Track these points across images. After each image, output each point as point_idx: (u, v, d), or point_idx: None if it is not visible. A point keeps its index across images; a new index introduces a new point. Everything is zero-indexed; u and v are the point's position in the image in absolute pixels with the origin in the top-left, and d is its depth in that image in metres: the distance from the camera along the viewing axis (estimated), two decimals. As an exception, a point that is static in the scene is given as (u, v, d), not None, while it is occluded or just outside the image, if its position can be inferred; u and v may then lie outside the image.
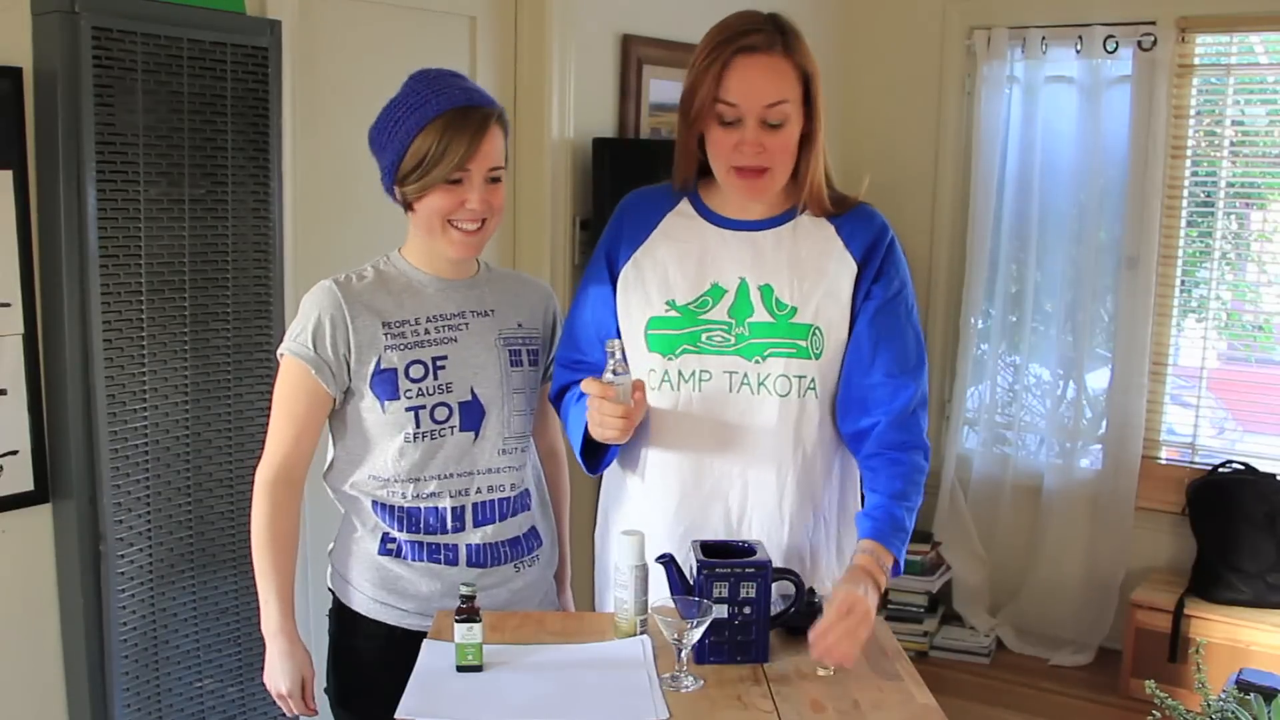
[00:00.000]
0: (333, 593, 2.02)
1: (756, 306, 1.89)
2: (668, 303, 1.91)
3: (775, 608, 1.79)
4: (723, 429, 1.90)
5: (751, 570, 1.72)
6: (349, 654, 1.99)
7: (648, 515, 1.94)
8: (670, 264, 1.93)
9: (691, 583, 1.74)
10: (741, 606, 1.71)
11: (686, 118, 1.87)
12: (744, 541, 1.82)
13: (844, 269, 1.90)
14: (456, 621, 1.69)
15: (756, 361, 1.88)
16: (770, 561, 1.75)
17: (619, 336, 1.91)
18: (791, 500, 1.91)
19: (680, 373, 1.90)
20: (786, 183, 1.91)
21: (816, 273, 1.90)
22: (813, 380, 1.89)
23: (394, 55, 2.91)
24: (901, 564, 1.85)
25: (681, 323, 1.91)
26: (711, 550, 1.79)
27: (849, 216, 1.94)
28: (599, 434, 1.83)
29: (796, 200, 1.93)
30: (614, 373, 1.79)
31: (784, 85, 1.82)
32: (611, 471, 2.03)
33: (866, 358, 1.90)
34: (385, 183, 1.92)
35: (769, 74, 1.81)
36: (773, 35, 1.83)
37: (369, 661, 1.96)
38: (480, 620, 1.69)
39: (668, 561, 1.75)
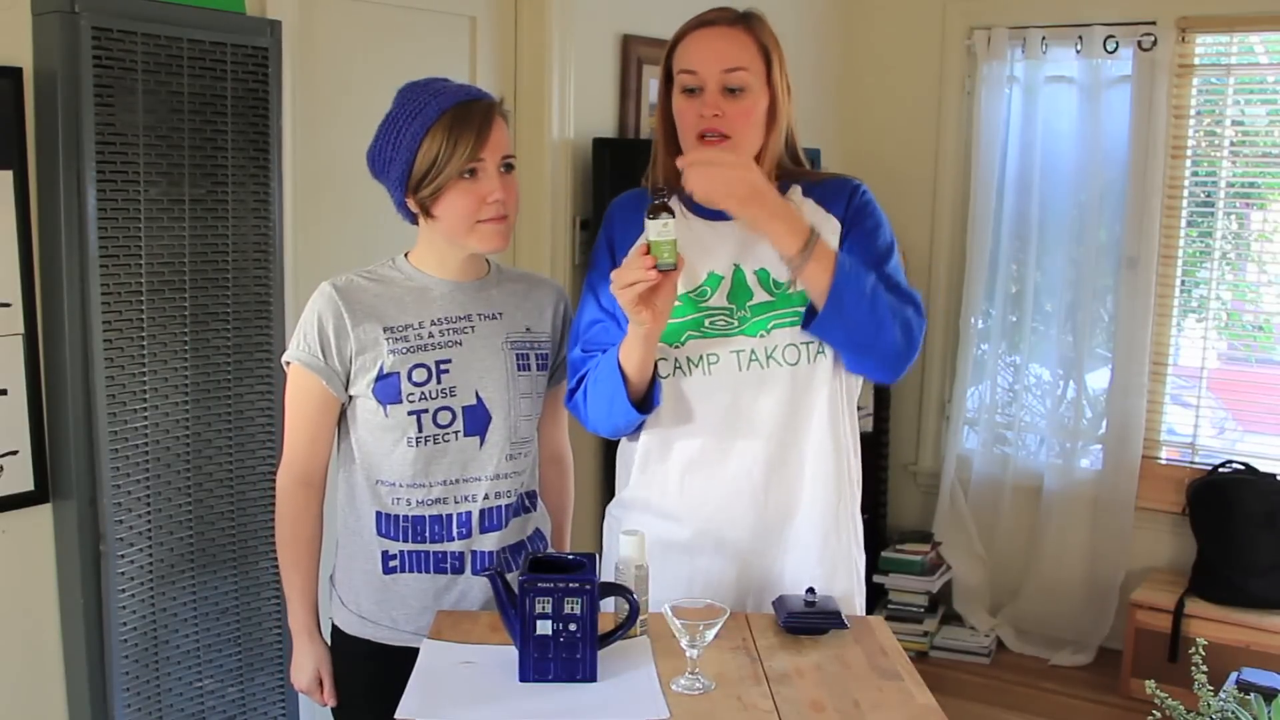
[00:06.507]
0: (330, 619, 2.02)
1: (755, 289, 1.92)
2: None
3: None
4: (738, 407, 1.92)
5: (576, 586, 1.64)
6: (346, 679, 1.99)
7: (673, 503, 1.96)
8: None
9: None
10: (566, 624, 1.64)
11: (660, 104, 1.96)
12: (577, 555, 1.75)
13: (829, 230, 1.93)
14: (649, 219, 1.72)
15: (762, 336, 1.90)
16: (596, 578, 1.67)
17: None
18: (813, 465, 1.94)
19: (689, 359, 1.92)
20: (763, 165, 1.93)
21: None
22: (821, 345, 1.92)
23: (394, 55, 2.91)
24: (841, 289, 1.80)
25: (683, 310, 1.92)
26: (542, 565, 1.73)
27: (830, 187, 1.98)
28: (630, 314, 1.77)
29: (774, 182, 1.94)
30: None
31: (742, 54, 1.89)
32: (628, 466, 2.03)
33: None
34: (397, 198, 1.90)
35: (727, 41, 1.89)
36: (735, 16, 1.93)
37: (365, 683, 1.96)
38: (674, 215, 1.72)
39: (492, 575, 1.69)
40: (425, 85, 1.87)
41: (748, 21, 1.92)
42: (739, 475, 1.93)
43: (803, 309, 1.89)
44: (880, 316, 1.84)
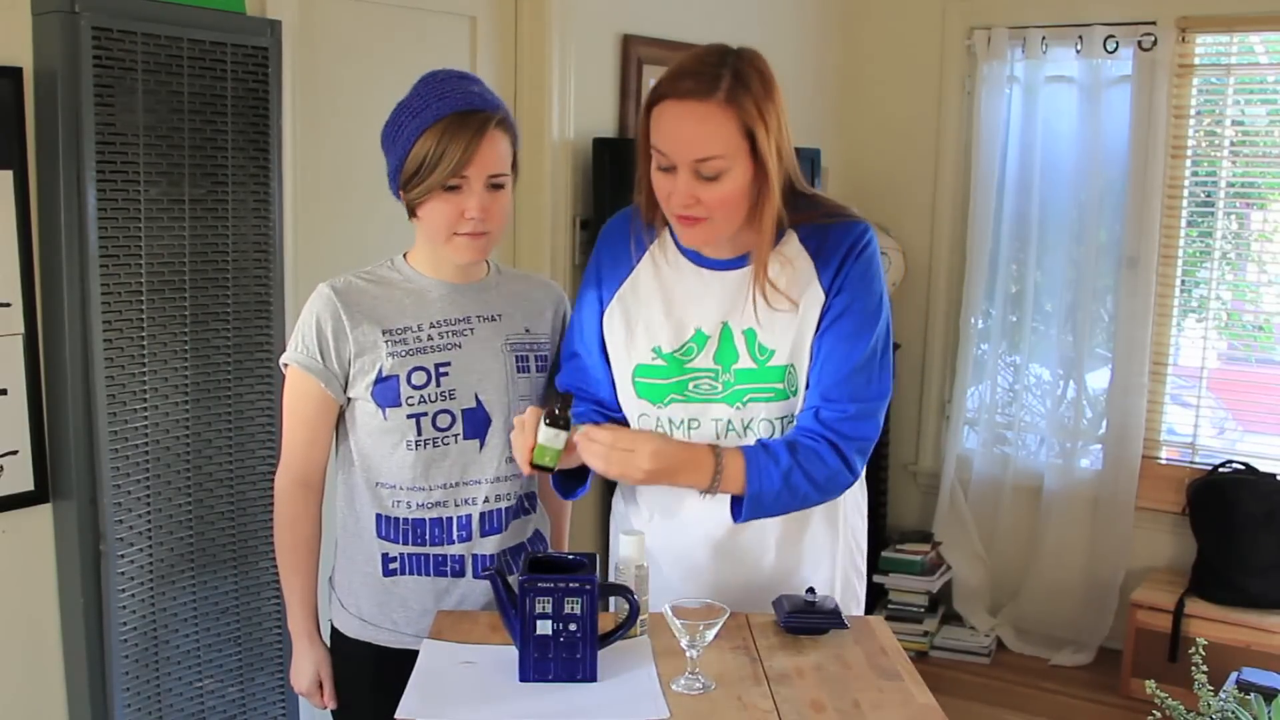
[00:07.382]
0: (330, 621, 2.02)
1: (741, 352, 1.87)
2: (654, 350, 1.90)
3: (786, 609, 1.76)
4: None
5: (576, 586, 1.63)
6: (346, 682, 1.99)
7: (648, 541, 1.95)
8: (654, 306, 1.90)
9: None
10: (566, 624, 1.63)
11: (640, 147, 1.82)
12: (577, 555, 1.74)
13: (814, 301, 1.84)
14: (545, 425, 1.73)
15: (739, 408, 1.87)
16: (596, 578, 1.66)
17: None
18: (780, 534, 1.94)
19: (670, 420, 1.89)
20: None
21: (790, 309, 1.84)
22: (793, 418, 1.89)
23: (394, 55, 2.91)
24: (759, 495, 1.80)
25: (669, 371, 1.89)
26: (542, 565, 1.72)
27: (830, 238, 1.85)
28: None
29: (774, 234, 1.83)
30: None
31: (716, 137, 1.70)
32: (620, 517, 2.06)
33: (811, 380, 1.87)
34: (391, 186, 1.91)
35: (698, 125, 1.70)
36: (714, 80, 1.70)
37: (365, 685, 1.96)
38: (569, 430, 1.73)
39: (492, 575, 1.68)
40: (439, 83, 1.85)
41: (732, 94, 1.69)
42: (700, 541, 1.93)
43: (780, 385, 1.85)
44: (802, 494, 1.83)
